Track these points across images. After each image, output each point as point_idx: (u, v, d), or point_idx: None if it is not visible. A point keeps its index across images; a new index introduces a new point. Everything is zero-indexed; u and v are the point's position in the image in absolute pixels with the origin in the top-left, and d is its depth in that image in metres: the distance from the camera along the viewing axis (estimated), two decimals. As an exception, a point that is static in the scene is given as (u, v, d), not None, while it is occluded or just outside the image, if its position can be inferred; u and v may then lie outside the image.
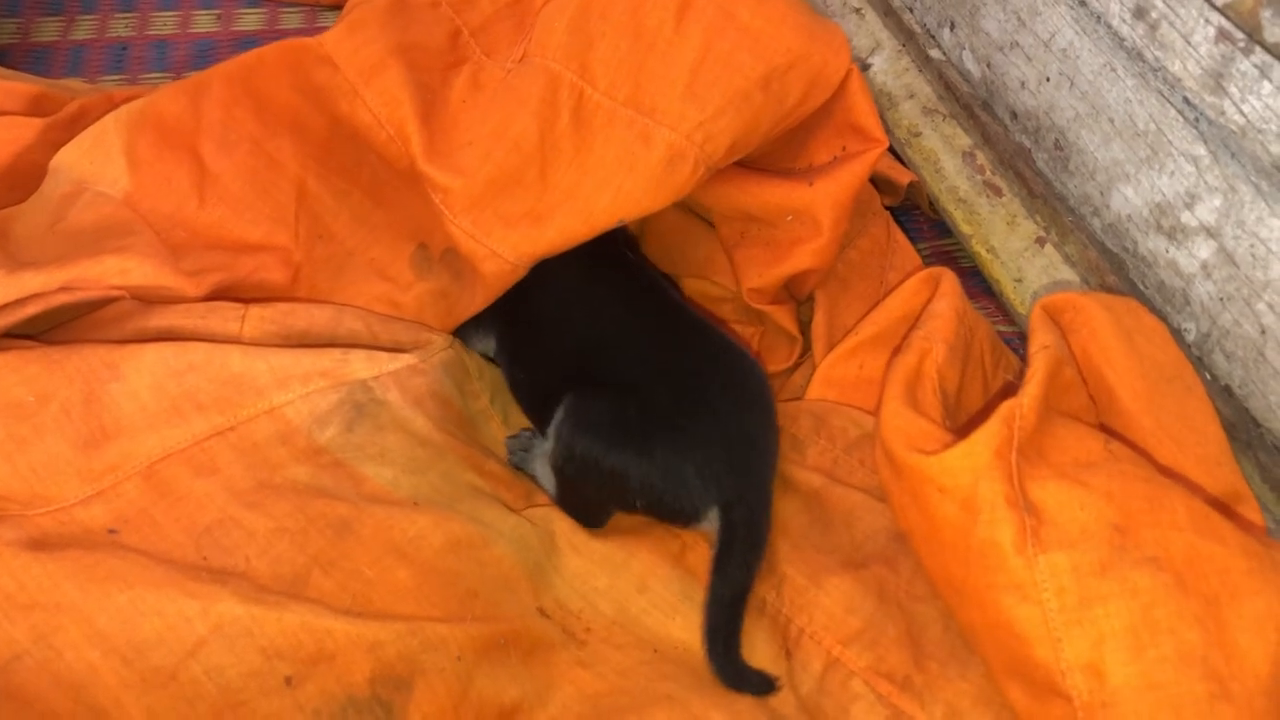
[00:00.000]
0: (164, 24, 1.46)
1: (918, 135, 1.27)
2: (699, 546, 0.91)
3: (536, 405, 0.98)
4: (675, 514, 0.88)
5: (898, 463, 0.78)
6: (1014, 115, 1.21)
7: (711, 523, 0.87)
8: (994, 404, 0.87)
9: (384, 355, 0.90)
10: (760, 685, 0.83)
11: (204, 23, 1.47)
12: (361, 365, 0.88)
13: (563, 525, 0.92)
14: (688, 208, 1.13)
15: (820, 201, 0.99)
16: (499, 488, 0.94)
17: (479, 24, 1.08)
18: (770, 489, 0.89)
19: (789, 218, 1.01)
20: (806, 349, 1.07)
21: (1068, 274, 1.10)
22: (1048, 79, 1.14)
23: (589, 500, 0.92)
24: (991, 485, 0.73)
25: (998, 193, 1.18)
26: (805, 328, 1.08)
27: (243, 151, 1.02)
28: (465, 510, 0.90)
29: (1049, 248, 1.12)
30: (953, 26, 1.30)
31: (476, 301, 0.99)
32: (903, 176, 1.20)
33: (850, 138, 1.03)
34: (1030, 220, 1.15)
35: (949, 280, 0.95)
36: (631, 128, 0.94)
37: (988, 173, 1.20)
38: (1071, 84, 1.10)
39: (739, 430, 0.89)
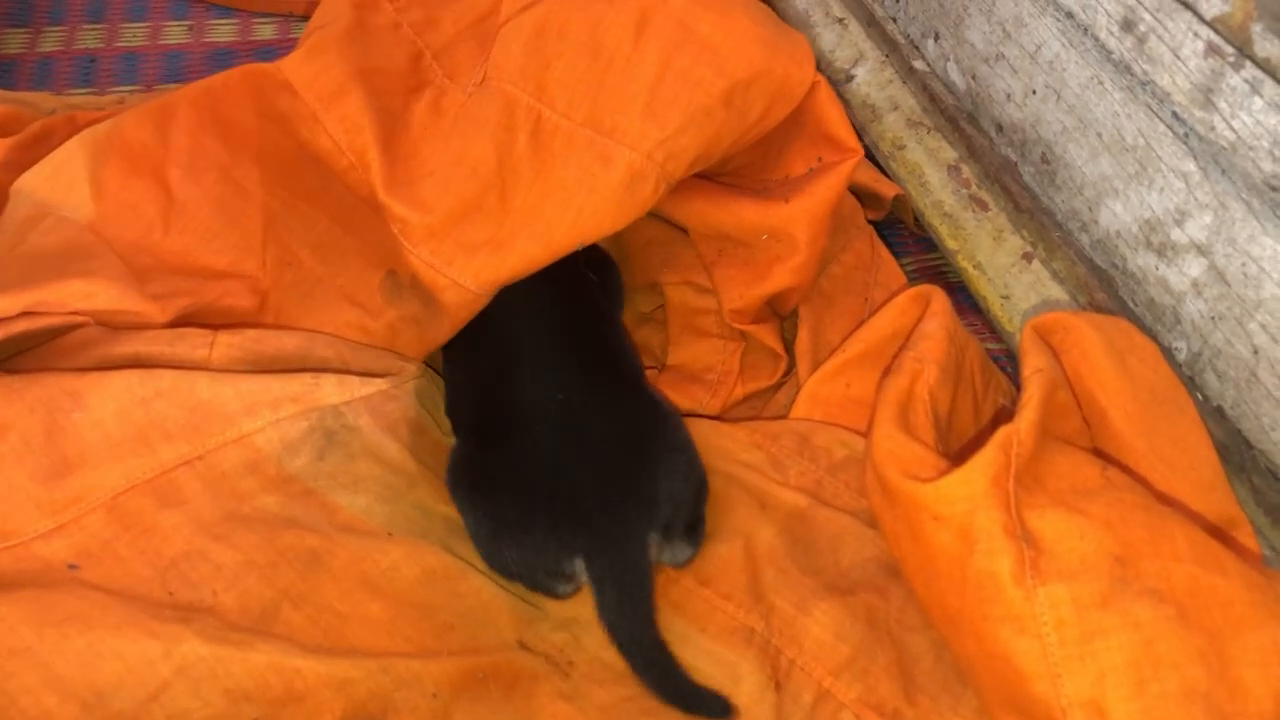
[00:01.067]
0: (134, 35, 1.43)
1: (902, 148, 1.25)
2: (683, 581, 0.88)
3: (452, 406, 0.97)
4: (546, 575, 0.84)
5: (890, 489, 0.76)
6: (1000, 128, 1.19)
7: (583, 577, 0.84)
8: (987, 429, 0.86)
9: (355, 380, 0.87)
10: (717, 706, 0.79)
11: (175, 34, 1.44)
12: (333, 390, 0.85)
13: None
14: (666, 220, 1.11)
15: (797, 219, 0.97)
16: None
17: (441, 45, 1.06)
18: (642, 541, 0.84)
19: (765, 236, 0.99)
20: (791, 366, 1.05)
21: (1056, 291, 1.08)
22: (1034, 91, 1.12)
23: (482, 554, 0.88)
24: (989, 514, 0.70)
25: (984, 207, 1.17)
26: (789, 344, 1.05)
27: (210, 179, 0.98)
28: (440, 540, 0.87)
29: (1036, 264, 1.10)
30: (937, 37, 1.28)
31: (444, 330, 0.97)
32: (887, 190, 1.18)
33: (825, 148, 1.01)
34: (1017, 235, 1.13)
35: (939, 299, 0.92)
36: (591, 148, 0.92)
37: (973, 186, 1.19)
38: (1058, 97, 1.08)
39: (611, 478, 0.85)
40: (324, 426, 0.86)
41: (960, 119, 1.23)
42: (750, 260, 1.00)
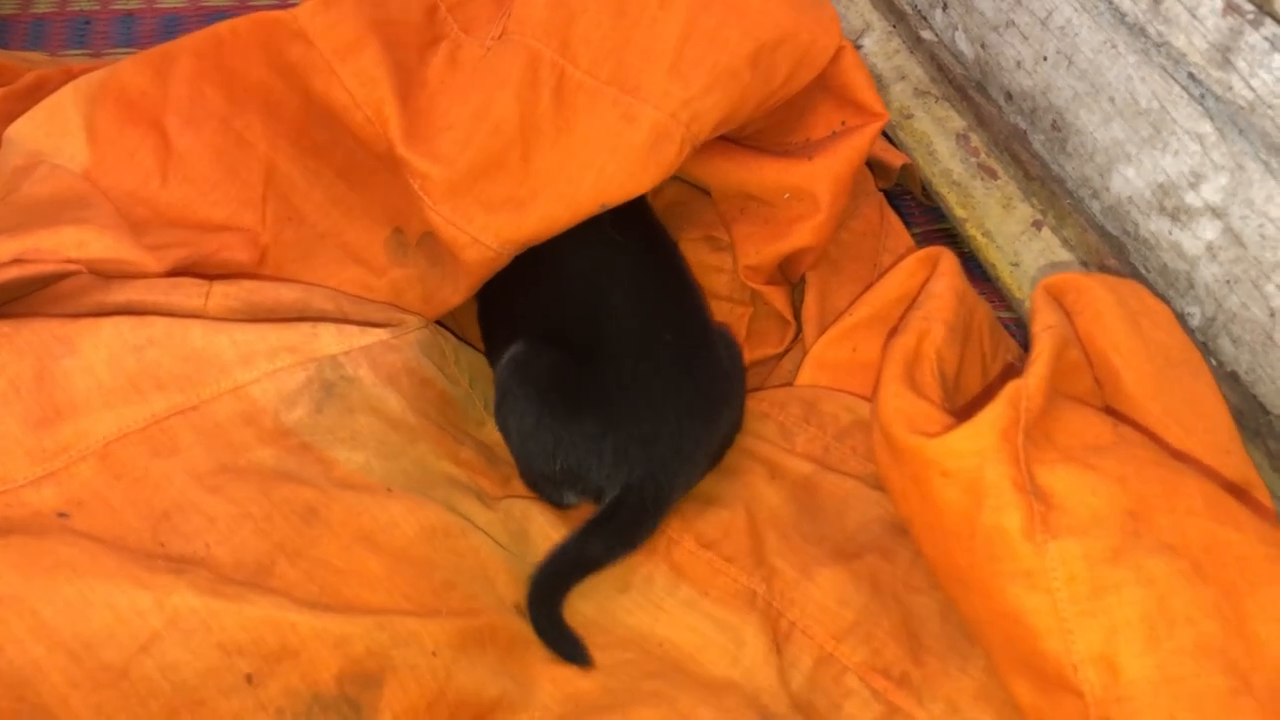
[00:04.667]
0: (130, -2, 1.41)
1: (909, 118, 1.23)
2: (685, 543, 0.87)
3: (495, 341, 0.97)
4: (584, 484, 0.87)
5: (897, 445, 0.74)
6: (1009, 96, 1.17)
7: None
8: (995, 386, 0.84)
9: (355, 329, 0.85)
10: (575, 651, 0.81)
11: (172, -2, 1.42)
12: (331, 340, 0.84)
13: (540, 520, 0.88)
14: (687, 182, 1.09)
15: (819, 177, 0.96)
16: (475, 476, 0.90)
17: None
18: (686, 483, 0.89)
19: (787, 195, 0.97)
20: (798, 333, 1.03)
21: (1065, 257, 1.06)
22: (1045, 58, 1.10)
23: (520, 455, 0.89)
24: (998, 469, 0.69)
25: (993, 175, 1.15)
26: (797, 313, 1.04)
27: (210, 129, 0.97)
28: (441, 498, 0.85)
29: (1046, 231, 1.09)
30: (945, 7, 1.27)
31: (459, 289, 0.95)
32: (895, 159, 1.17)
33: (849, 112, 0.99)
34: (1026, 203, 1.11)
35: (947, 260, 0.91)
36: (615, 107, 0.90)
37: (982, 155, 1.17)
38: (1070, 62, 1.06)
39: (676, 413, 0.87)
40: (322, 378, 0.84)
41: (969, 88, 1.21)
42: (771, 218, 0.99)
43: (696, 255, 1.05)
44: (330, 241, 0.97)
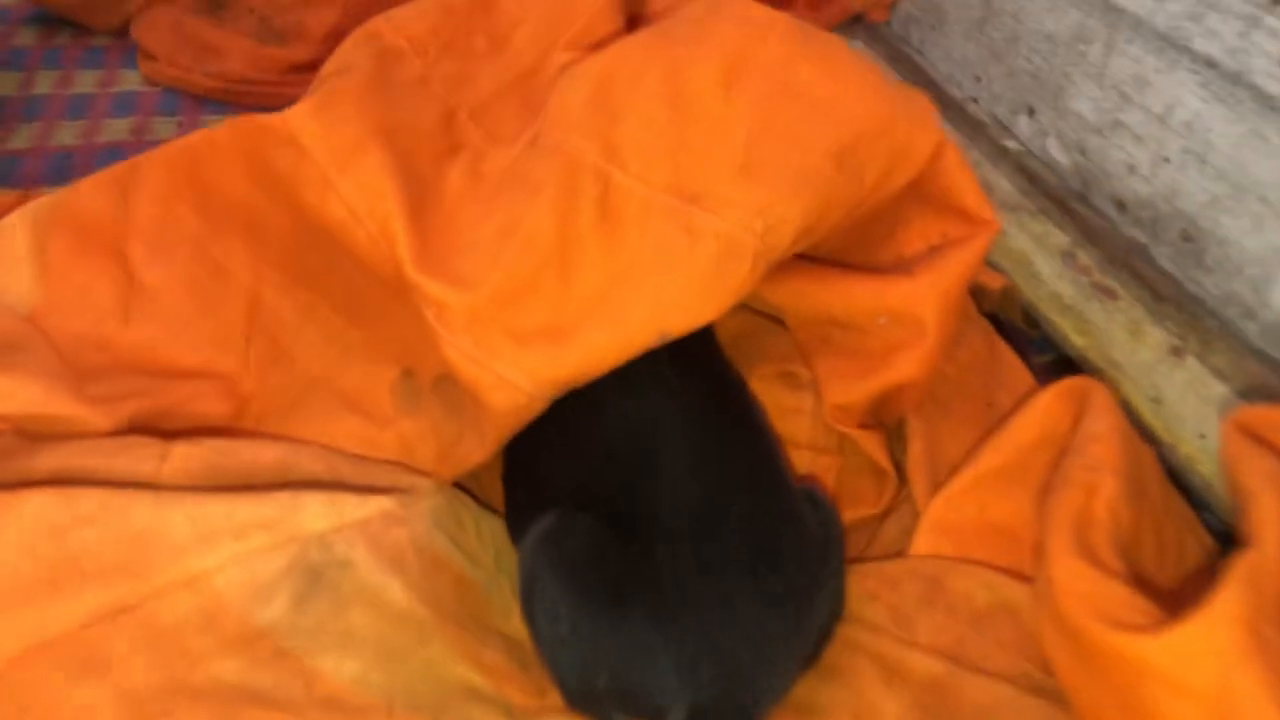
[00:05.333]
0: (116, 130, 1.27)
1: (1002, 236, 1.06)
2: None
3: (518, 510, 0.77)
4: (639, 706, 0.67)
5: (1090, 644, 0.54)
6: (1121, 206, 1.00)
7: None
8: (1191, 557, 0.64)
9: (350, 499, 0.66)
10: None
11: (164, 129, 1.28)
12: (318, 513, 0.65)
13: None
14: (755, 309, 0.92)
15: (923, 296, 0.78)
16: (502, 684, 0.70)
17: (478, 103, 0.88)
18: (773, 696, 0.68)
19: (883, 319, 0.79)
20: (899, 490, 0.84)
21: (1219, 389, 0.87)
22: (1166, 159, 0.94)
23: (553, 667, 0.68)
24: (1249, 677, 0.48)
25: (1111, 296, 0.97)
26: (895, 463, 0.84)
27: (182, 257, 0.80)
28: (458, 716, 0.65)
29: (1190, 360, 0.90)
30: (1031, 113, 1.11)
31: (484, 444, 0.76)
32: (993, 281, 0.99)
33: (950, 222, 0.82)
34: (1160, 328, 0.93)
35: (1100, 394, 0.72)
36: (673, 218, 0.73)
37: (1095, 274, 0.99)
38: (1202, 161, 0.90)
39: (756, 605, 0.67)
40: (306, 563, 0.65)
41: (1069, 199, 1.05)
42: (862, 348, 0.81)
43: (770, 395, 0.87)
44: (324, 388, 0.79)
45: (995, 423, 0.82)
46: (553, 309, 0.73)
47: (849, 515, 0.83)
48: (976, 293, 0.99)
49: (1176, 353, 0.91)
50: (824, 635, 0.72)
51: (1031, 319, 1.01)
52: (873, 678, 0.70)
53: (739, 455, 0.74)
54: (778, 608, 0.68)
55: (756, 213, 0.72)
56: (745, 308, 0.92)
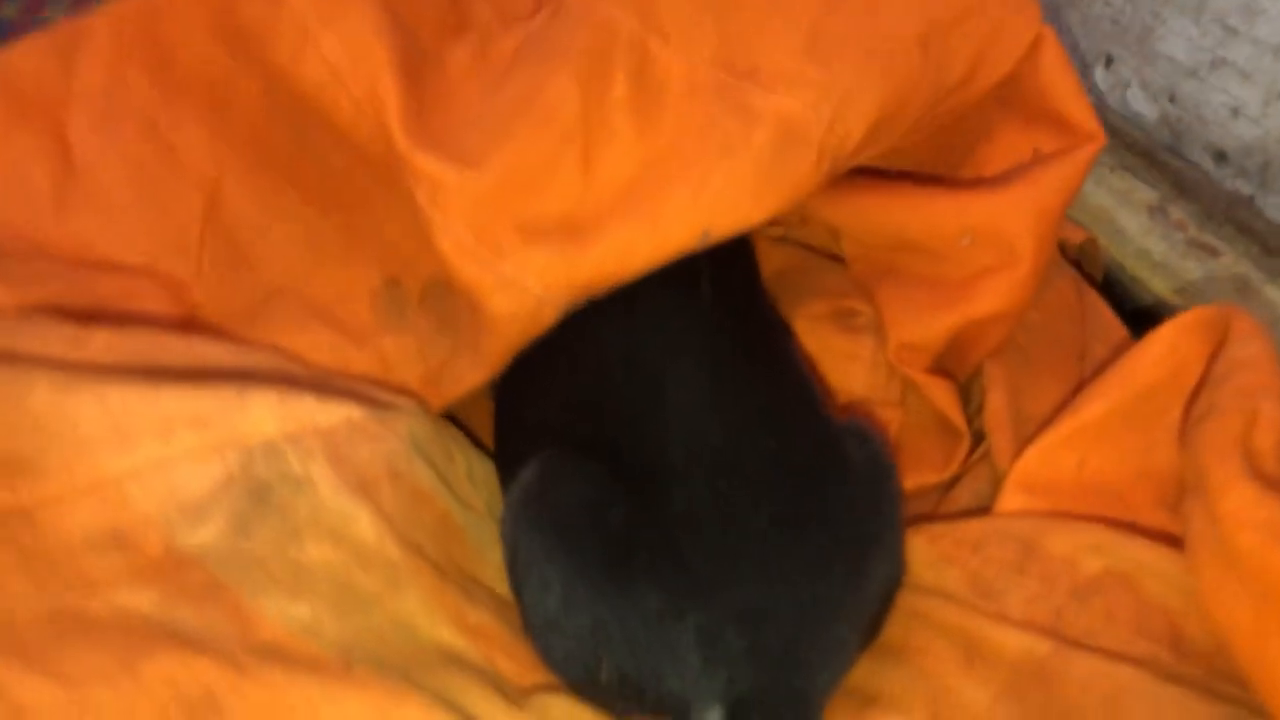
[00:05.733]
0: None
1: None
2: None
3: (507, 450, 0.63)
4: (655, 698, 0.52)
5: (1251, 563, 0.40)
6: (1221, 156, 0.88)
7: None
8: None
9: (308, 401, 0.53)
10: None
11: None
12: (267, 412, 0.52)
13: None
14: (803, 244, 0.79)
15: (1017, 213, 0.65)
16: (492, 652, 0.56)
17: None
18: (829, 680, 0.54)
19: (966, 240, 0.66)
20: (973, 451, 0.70)
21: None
22: (1281, 95, 0.81)
23: (545, 651, 0.55)
24: None
25: (1213, 253, 0.84)
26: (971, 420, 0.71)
27: (130, 133, 0.67)
28: (434, 686, 0.51)
29: (1314, 320, 0.77)
30: (1109, 62, 0.99)
31: (481, 363, 0.63)
32: (1074, 235, 0.86)
33: (1044, 134, 0.69)
34: (1272, 285, 0.80)
35: (1244, 319, 0.58)
36: (724, 96, 0.60)
37: (1191, 230, 0.86)
38: (1328, 93, 0.77)
39: (795, 564, 0.53)
40: (250, 476, 0.51)
41: (1157, 152, 0.93)
42: (939, 276, 0.68)
43: (820, 339, 0.73)
44: (291, 297, 0.66)
45: (1089, 376, 0.69)
46: (573, 197, 0.60)
47: (910, 481, 0.69)
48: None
49: (1296, 311, 0.78)
50: (884, 604, 0.58)
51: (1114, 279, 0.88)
52: (951, 659, 0.56)
53: (769, 386, 0.61)
54: (825, 565, 0.54)
55: (824, 92, 0.60)
56: (791, 241, 0.79)
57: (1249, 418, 0.50)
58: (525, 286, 0.58)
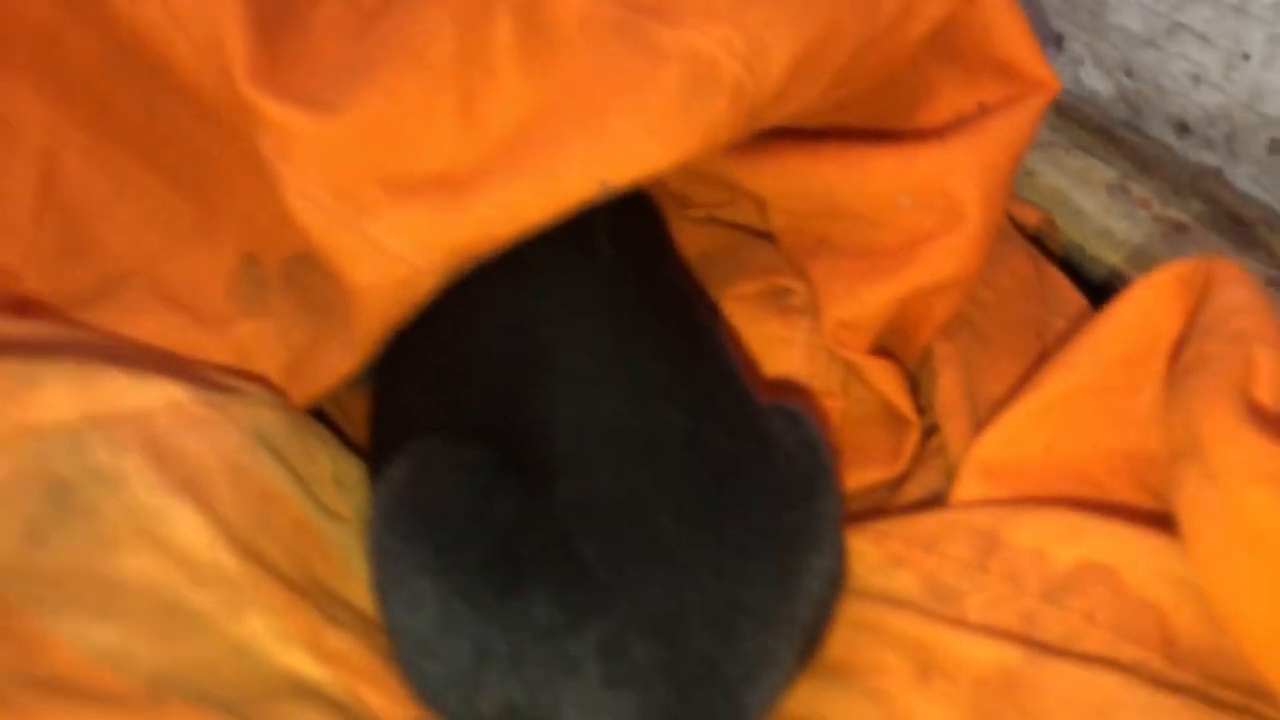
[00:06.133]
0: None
1: (1029, 174, 0.87)
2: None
3: (380, 442, 0.53)
4: None
5: (1264, 524, 0.32)
6: (1183, 128, 0.82)
7: None
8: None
9: (119, 377, 0.44)
10: None
11: None
12: (65, 392, 0.42)
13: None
14: (731, 223, 0.71)
15: (960, 167, 0.58)
16: (354, 681, 0.46)
17: None
18: (761, 701, 0.46)
19: (904, 200, 0.58)
20: (924, 442, 0.62)
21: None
22: (1246, 55, 0.75)
23: (416, 679, 0.46)
24: None
25: (1180, 229, 0.77)
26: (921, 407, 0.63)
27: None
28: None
29: (1294, 290, 0.70)
30: (1060, 43, 0.93)
31: (352, 350, 0.54)
32: (1026, 215, 0.79)
33: (990, 85, 0.62)
34: (1245, 259, 0.73)
35: (1228, 267, 0.51)
36: (625, 33, 0.53)
37: (1155, 207, 0.80)
38: (1296, 47, 0.71)
39: (713, 564, 0.45)
40: (45, 472, 0.42)
41: (1115, 129, 0.86)
42: (875, 243, 0.60)
43: (751, 321, 0.65)
44: (138, 281, 0.57)
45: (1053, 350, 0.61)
46: (450, 149, 0.52)
47: (855, 479, 0.61)
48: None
49: (1275, 284, 0.70)
50: (822, 610, 0.49)
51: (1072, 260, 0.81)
52: (905, 676, 0.48)
53: (680, 357, 0.52)
54: (747, 563, 0.45)
55: (738, 30, 0.52)
56: (719, 222, 0.72)
57: (1246, 366, 0.42)
58: (394, 251, 0.50)
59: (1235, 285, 0.48)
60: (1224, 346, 0.43)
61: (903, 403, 0.61)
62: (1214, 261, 0.51)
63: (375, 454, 0.52)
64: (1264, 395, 0.40)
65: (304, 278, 0.56)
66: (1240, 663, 0.43)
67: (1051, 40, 0.94)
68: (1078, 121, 0.89)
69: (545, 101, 0.52)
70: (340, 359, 0.54)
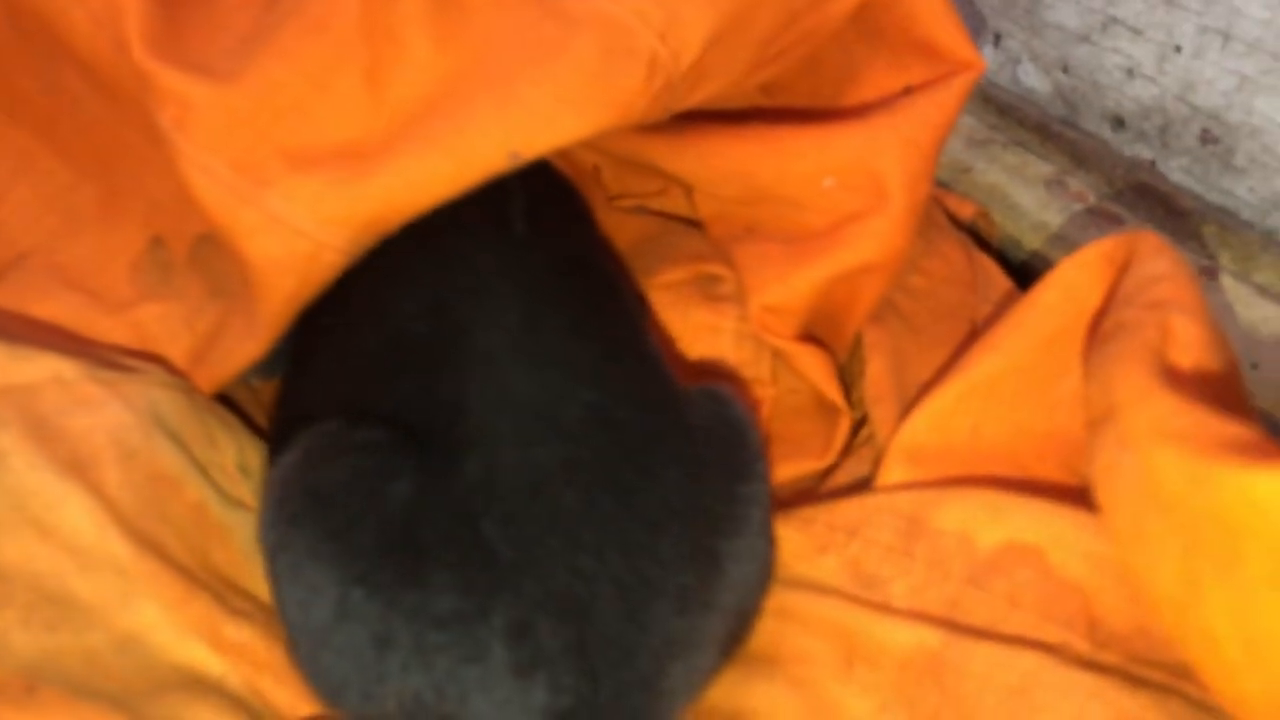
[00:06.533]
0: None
1: (967, 171, 0.87)
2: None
3: (280, 424, 0.51)
4: None
5: (1210, 493, 0.31)
6: (1119, 122, 0.81)
7: None
8: None
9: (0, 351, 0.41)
10: None
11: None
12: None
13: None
14: (660, 213, 0.69)
15: (882, 146, 0.57)
16: (257, 675, 0.44)
17: None
18: (679, 692, 0.44)
19: (828, 181, 0.57)
20: (855, 432, 0.61)
21: (1268, 310, 0.67)
22: (1178, 48, 0.75)
23: (312, 675, 0.43)
24: None
25: (1116, 221, 0.77)
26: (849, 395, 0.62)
27: None
28: (164, 718, 0.40)
29: (1227, 280, 0.70)
30: (998, 40, 0.93)
31: (256, 333, 0.52)
32: (961, 208, 0.78)
33: (916, 66, 0.61)
34: (1183, 249, 0.73)
35: (1152, 240, 0.50)
36: (536, 1, 0.51)
37: (1091, 200, 0.79)
38: (1226, 38, 0.71)
39: (629, 548, 0.43)
40: (-88, 452, 0.39)
41: (1051, 125, 0.86)
42: (800, 226, 0.59)
43: (679, 310, 0.63)
44: (37, 263, 0.55)
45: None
46: (356, 119, 0.50)
47: (786, 470, 0.59)
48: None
49: (1208, 274, 0.70)
50: (748, 597, 0.47)
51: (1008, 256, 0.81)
52: (829, 664, 0.46)
53: (595, 333, 0.51)
54: (660, 542, 0.44)
55: (654, 1, 0.51)
56: (648, 212, 0.70)
57: (1163, 331, 0.41)
58: (296, 225, 0.48)
59: (1156, 256, 0.47)
60: (1142, 314, 0.42)
61: (830, 389, 0.59)
62: (1137, 236, 0.50)
63: (275, 441, 0.50)
64: (1180, 359, 0.39)
65: (212, 260, 0.54)
66: (1164, 643, 0.42)
67: (990, 39, 0.94)
68: (1015, 119, 0.89)
69: (454, 70, 0.51)
70: (245, 343, 0.52)
